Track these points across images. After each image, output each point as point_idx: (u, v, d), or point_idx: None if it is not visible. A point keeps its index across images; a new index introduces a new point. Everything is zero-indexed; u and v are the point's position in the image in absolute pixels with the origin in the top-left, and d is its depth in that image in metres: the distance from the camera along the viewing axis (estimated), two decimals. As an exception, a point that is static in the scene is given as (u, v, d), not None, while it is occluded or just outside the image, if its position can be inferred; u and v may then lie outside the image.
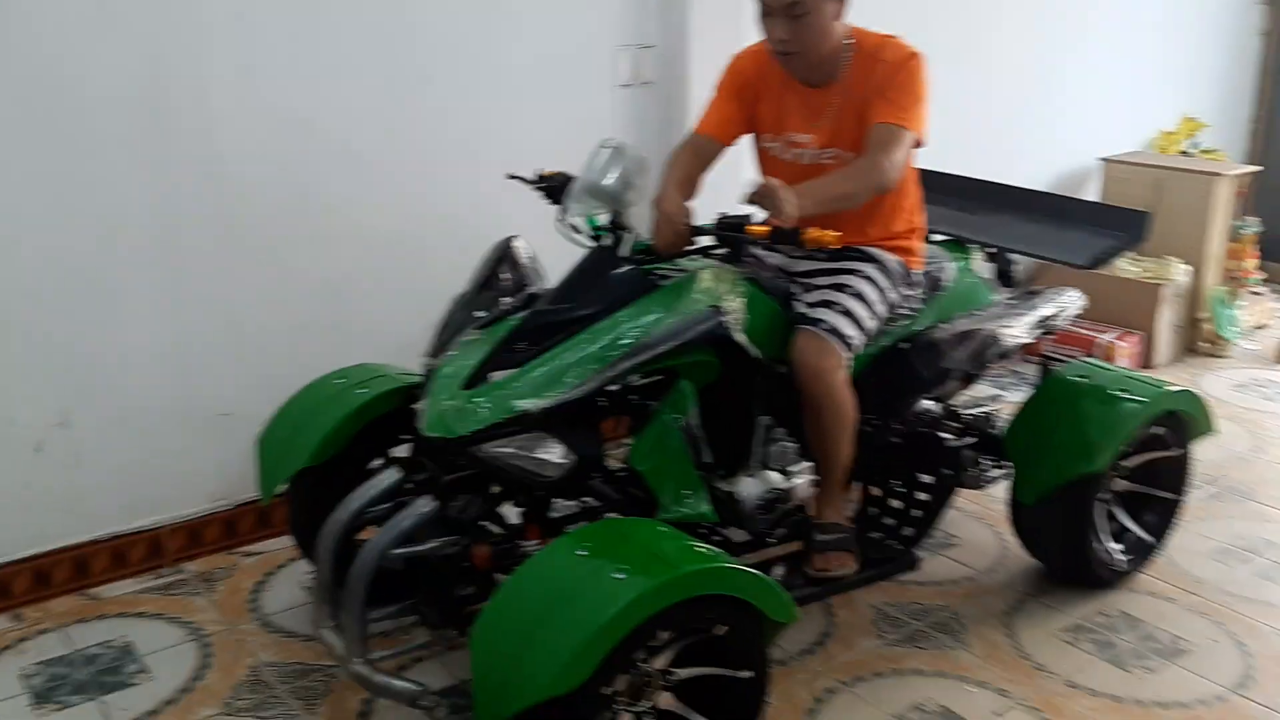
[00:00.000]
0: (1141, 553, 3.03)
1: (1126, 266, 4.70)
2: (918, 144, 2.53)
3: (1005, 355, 2.77)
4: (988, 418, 3.05)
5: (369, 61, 3.12)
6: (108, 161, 2.80)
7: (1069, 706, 2.53)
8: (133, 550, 3.06)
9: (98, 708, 2.52)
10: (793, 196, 2.30)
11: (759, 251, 2.73)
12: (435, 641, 2.50)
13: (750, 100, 2.67)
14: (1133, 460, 2.94)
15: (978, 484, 3.02)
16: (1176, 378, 4.49)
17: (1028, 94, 4.78)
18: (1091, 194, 5.10)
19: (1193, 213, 4.75)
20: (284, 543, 3.12)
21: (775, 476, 2.59)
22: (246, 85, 2.94)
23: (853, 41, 2.55)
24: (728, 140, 2.70)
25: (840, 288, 2.57)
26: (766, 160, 2.72)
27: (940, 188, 3.33)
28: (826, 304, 2.54)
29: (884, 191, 2.49)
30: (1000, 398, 3.24)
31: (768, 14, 2.48)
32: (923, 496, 2.98)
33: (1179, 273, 4.69)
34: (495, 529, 2.45)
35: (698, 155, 2.66)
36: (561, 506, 2.61)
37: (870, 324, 2.58)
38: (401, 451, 2.56)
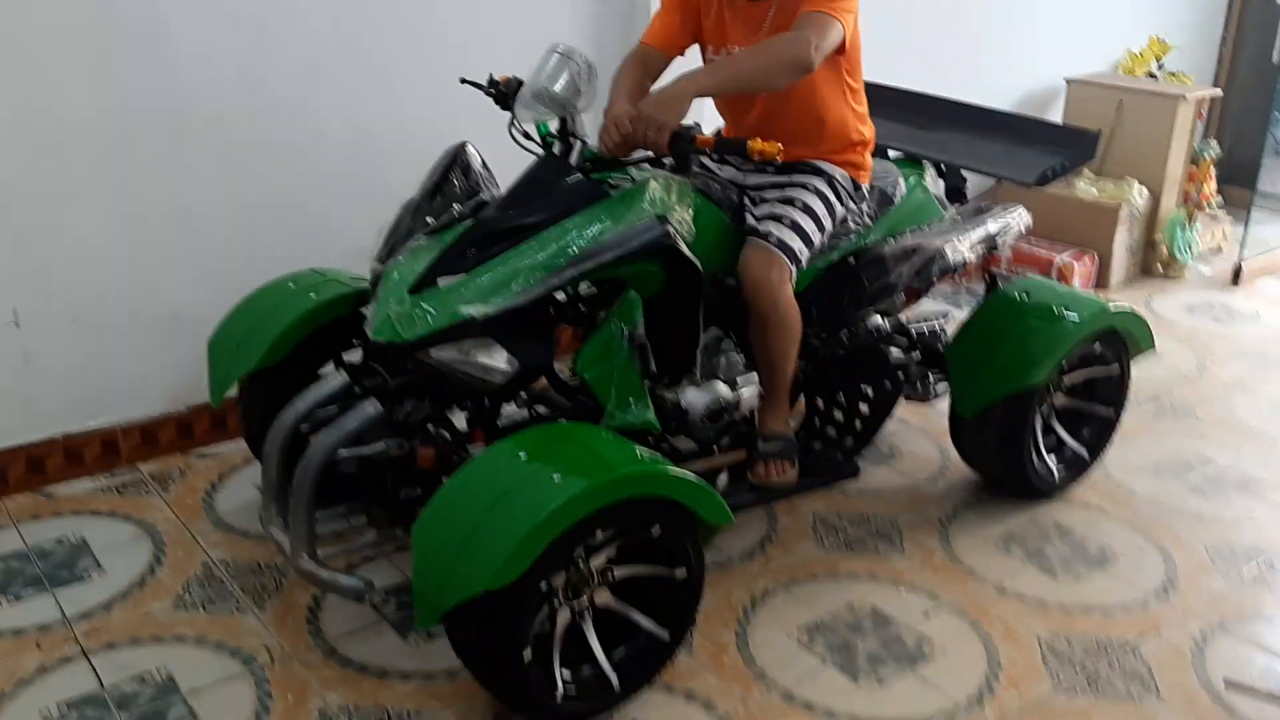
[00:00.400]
0: (1077, 466, 3.11)
1: (1085, 188, 4.73)
2: (842, 48, 2.50)
3: (950, 270, 2.81)
4: (935, 333, 3.10)
5: (323, -39, 3.08)
6: (57, 61, 2.77)
7: (995, 609, 2.63)
8: (87, 450, 3.09)
9: (51, 600, 2.57)
10: (661, 105, 2.29)
11: (711, 164, 2.75)
12: (383, 541, 2.55)
13: (694, 13, 2.67)
14: (1072, 376, 3.00)
15: (924, 397, 3.09)
16: (1129, 298, 4.58)
17: (998, 11, 4.75)
18: (1055, 114, 5.11)
19: (1153, 135, 4.77)
20: (239, 445, 3.17)
21: (722, 387, 2.64)
22: (198, -18, 2.91)
23: None
24: (673, 51, 2.70)
25: (788, 201, 2.59)
26: None
27: (895, 103, 3.35)
28: (774, 218, 2.57)
29: (805, 70, 2.39)
30: (950, 315, 3.29)
31: None
32: (865, 409, 3.05)
33: (1137, 195, 4.73)
34: (443, 433, 2.50)
35: (645, 66, 2.67)
36: (511, 414, 2.66)
37: (817, 237, 2.61)
38: (351, 355, 2.60)
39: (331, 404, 2.40)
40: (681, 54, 2.72)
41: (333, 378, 2.40)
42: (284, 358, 2.61)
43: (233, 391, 2.68)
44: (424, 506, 2.10)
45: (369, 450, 2.32)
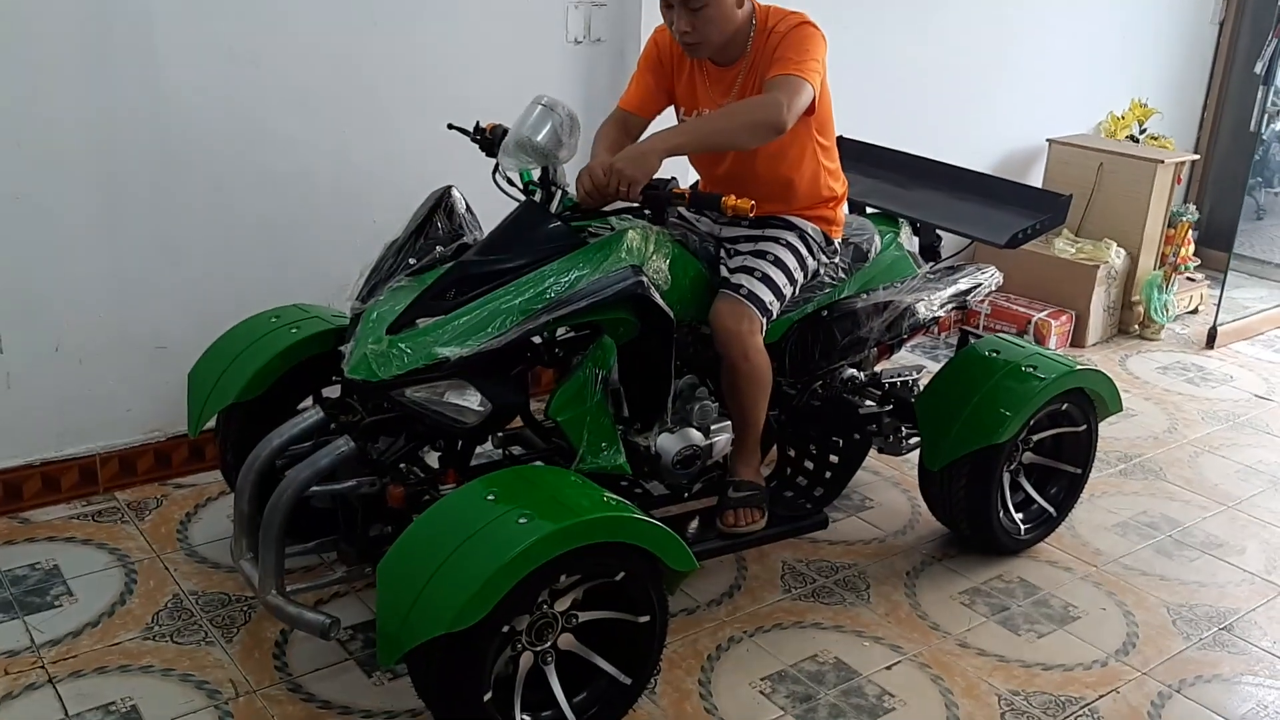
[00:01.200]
0: (1044, 524, 3.15)
1: (1064, 247, 4.81)
2: (812, 108, 2.55)
3: (920, 327, 2.87)
4: (908, 386, 3.15)
5: (318, 2, 3.14)
6: (49, 89, 2.82)
7: (956, 664, 2.65)
8: (65, 476, 3.11)
9: (21, 626, 2.58)
10: (632, 160, 2.33)
11: (689, 215, 2.80)
12: (353, 577, 2.57)
13: (667, 75, 2.75)
14: (1040, 434, 3.05)
15: (896, 450, 3.14)
16: (1104, 357, 4.65)
17: (981, 73, 4.85)
18: (1037, 173, 5.20)
19: (1132, 197, 4.86)
20: (216, 476, 3.19)
21: (695, 433, 2.68)
22: (193, 19, 2.96)
23: (757, 20, 2.62)
24: (649, 114, 2.79)
25: (760, 254, 2.65)
26: None
27: (873, 160, 3.43)
28: (745, 270, 2.62)
29: (777, 131, 2.43)
30: (925, 369, 3.34)
31: (668, 6, 2.55)
32: (836, 459, 3.09)
33: (1115, 255, 4.80)
34: (416, 472, 2.53)
35: (623, 127, 2.75)
36: (485, 454, 2.70)
37: (788, 290, 2.67)
38: (329, 391, 2.63)
39: (307, 440, 2.43)
40: (657, 116, 2.81)
41: (309, 414, 2.44)
42: (263, 392, 2.64)
43: (212, 422, 2.71)
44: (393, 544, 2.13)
45: (341, 487, 2.35)
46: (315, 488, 2.31)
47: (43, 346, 3.00)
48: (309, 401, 2.74)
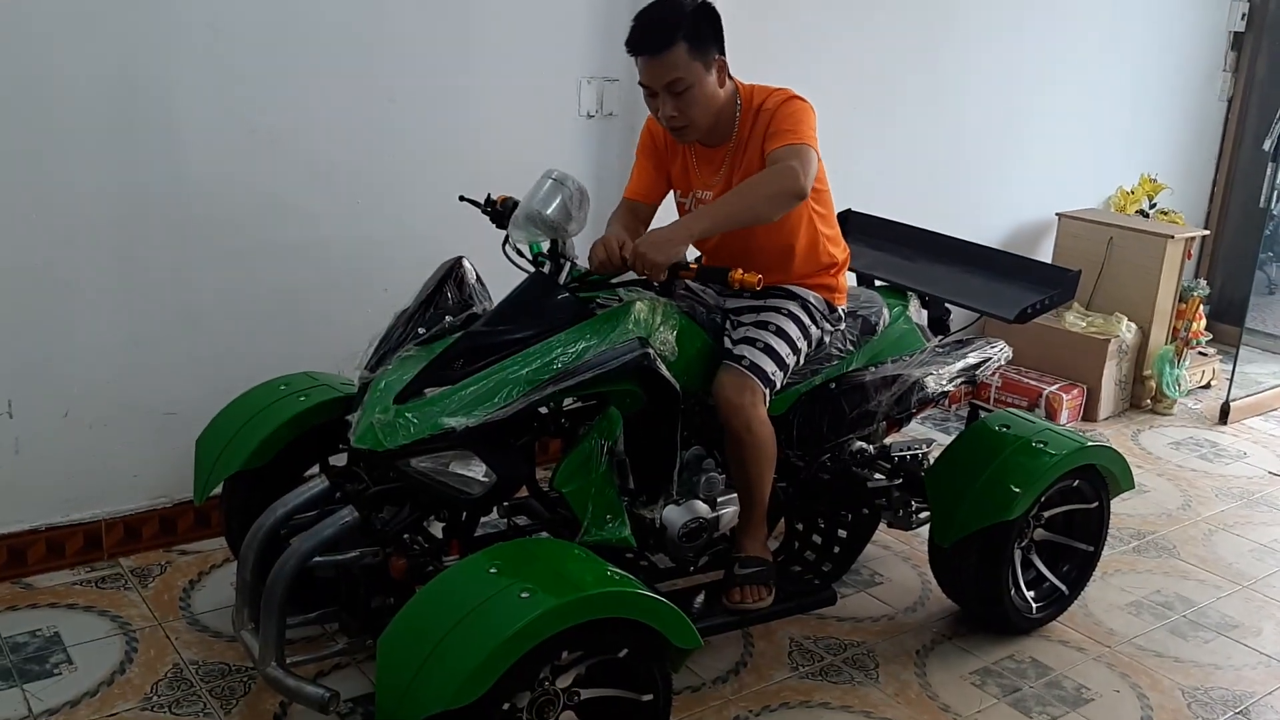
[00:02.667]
0: (1056, 602, 3.10)
1: (1075, 321, 4.81)
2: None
3: (929, 401, 2.86)
4: (918, 459, 3.13)
5: (337, 78, 3.19)
6: (73, 157, 2.87)
7: (967, 747, 2.60)
8: (70, 541, 3.10)
9: (19, 695, 2.56)
10: (656, 246, 2.37)
11: (695, 286, 2.82)
12: (355, 649, 2.55)
13: (663, 161, 2.80)
14: (1051, 510, 3.02)
15: (906, 524, 3.11)
16: (1116, 432, 4.62)
17: (992, 148, 4.89)
18: (1046, 247, 5.22)
19: (1143, 272, 4.86)
20: (221, 543, 3.17)
21: (701, 506, 2.68)
22: (215, 93, 3.02)
23: (741, 100, 2.66)
24: (654, 200, 2.84)
25: (762, 325, 2.66)
26: (682, 215, 2.81)
27: (882, 234, 3.45)
28: (748, 341, 2.63)
29: (798, 197, 2.49)
30: (935, 441, 3.31)
31: (652, 95, 2.59)
32: (844, 534, 3.06)
33: (1126, 330, 4.79)
34: (420, 542, 2.52)
35: (632, 214, 2.81)
36: (490, 524, 2.68)
37: (791, 360, 2.67)
38: (336, 460, 2.63)
39: (312, 509, 2.42)
40: (662, 200, 2.86)
41: (315, 483, 2.43)
42: (269, 460, 2.64)
43: (218, 489, 2.71)
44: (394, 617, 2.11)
45: (343, 557, 2.34)
46: (318, 558, 2.29)
47: (52, 412, 3.00)
48: (315, 469, 2.75)
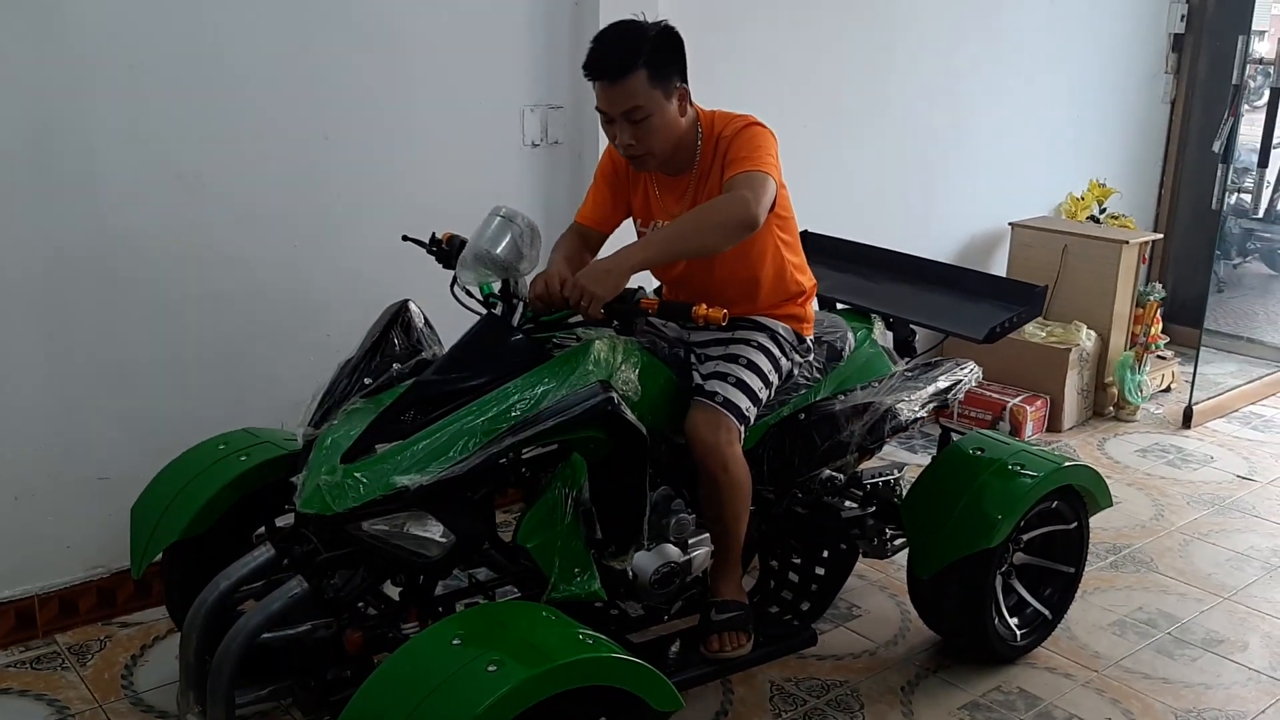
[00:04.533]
0: (1040, 627, 3.02)
1: (1034, 331, 4.75)
2: (772, 205, 2.46)
3: (902, 429, 2.76)
4: (890, 486, 3.03)
5: (268, 117, 3.05)
6: (-15, 212, 2.69)
7: (962, 790, 2.49)
8: (0, 621, 2.91)
9: (-54, 796, 2.37)
10: (595, 279, 2.25)
11: (656, 320, 2.70)
12: (310, 726, 2.39)
13: (624, 188, 2.68)
14: (1030, 534, 2.93)
15: (881, 553, 3.01)
16: (1081, 441, 4.57)
17: (940, 159, 4.84)
18: (1001, 258, 5.17)
19: (1099, 279, 4.82)
20: (164, 613, 2.98)
21: (672, 549, 2.54)
22: (137, 138, 2.86)
23: (703, 127, 2.55)
24: (607, 229, 2.73)
25: (732, 359, 2.55)
26: None
27: (842, 255, 3.36)
28: (719, 375, 2.52)
29: (750, 227, 2.36)
30: (905, 465, 3.22)
31: (609, 121, 2.47)
32: (821, 570, 2.95)
33: (1085, 338, 4.75)
34: (376, 607, 2.37)
35: (581, 240, 2.69)
36: (451, 579, 2.54)
37: (763, 394, 2.56)
38: (283, 521, 2.47)
39: (258, 579, 2.26)
40: (615, 229, 2.74)
41: (260, 551, 2.27)
42: (211, 525, 2.48)
43: (158, 557, 2.54)
44: (352, 693, 1.96)
45: (294, 631, 2.18)
46: (266, 635, 2.14)
47: (-24, 483, 2.82)
48: (261, 531, 2.59)
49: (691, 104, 2.54)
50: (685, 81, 2.50)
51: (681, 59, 2.49)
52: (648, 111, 2.41)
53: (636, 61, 2.38)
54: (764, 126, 2.52)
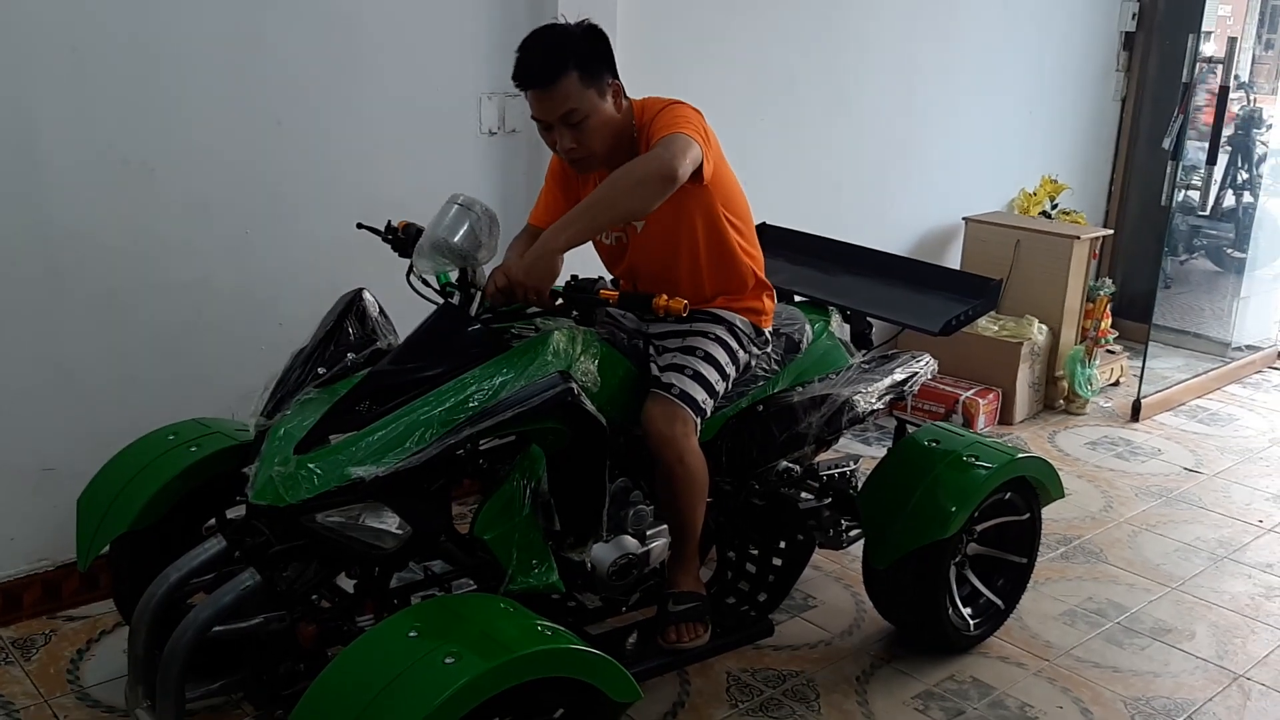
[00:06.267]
0: (993, 617, 3.05)
1: (987, 325, 4.80)
2: (701, 173, 2.40)
3: (859, 421, 2.76)
4: (846, 477, 3.04)
5: (218, 102, 2.99)
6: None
7: (917, 779, 2.51)
8: (-60, 616, 2.84)
9: (-117, 796, 2.31)
10: (529, 271, 2.23)
11: (615, 311, 2.68)
12: None
13: (573, 189, 2.65)
14: (984, 524, 2.96)
15: (837, 544, 3.01)
16: (1033, 434, 4.62)
17: (895, 154, 4.87)
18: (955, 252, 5.21)
19: (1050, 273, 4.88)
20: (111, 606, 2.93)
21: (630, 541, 2.53)
22: (81, 123, 2.79)
23: (636, 119, 2.51)
24: None
25: (690, 350, 2.54)
26: (595, 243, 2.68)
27: (798, 247, 3.36)
28: (676, 368, 2.51)
29: (668, 179, 2.28)
30: (860, 458, 3.23)
31: (547, 128, 2.45)
32: (778, 561, 2.96)
33: (1037, 332, 4.81)
34: (330, 600, 2.34)
35: (533, 241, 2.63)
36: (405, 572, 2.51)
37: (720, 386, 2.56)
38: (234, 513, 2.43)
39: (209, 572, 2.22)
40: None
41: (211, 543, 2.22)
42: (159, 518, 2.43)
43: (106, 549, 2.48)
44: (306, 686, 1.93)
45: (246, 625, 2.15)
46: (217, 628, 2.10)
47: (-86, 474, 2.75)
48: (213, 522, 2.54)
49: (625, 97, 2.50)
50: (616, 77, 2.47)
51: (610, 55, 2.45)
52: (584, 113, 2.38)
53: (566, 64, 2.35)
54: (685, 104, 2.49)
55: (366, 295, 2.51)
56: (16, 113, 2.69)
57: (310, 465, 2.11)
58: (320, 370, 2.37)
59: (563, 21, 2.48)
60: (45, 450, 2.91)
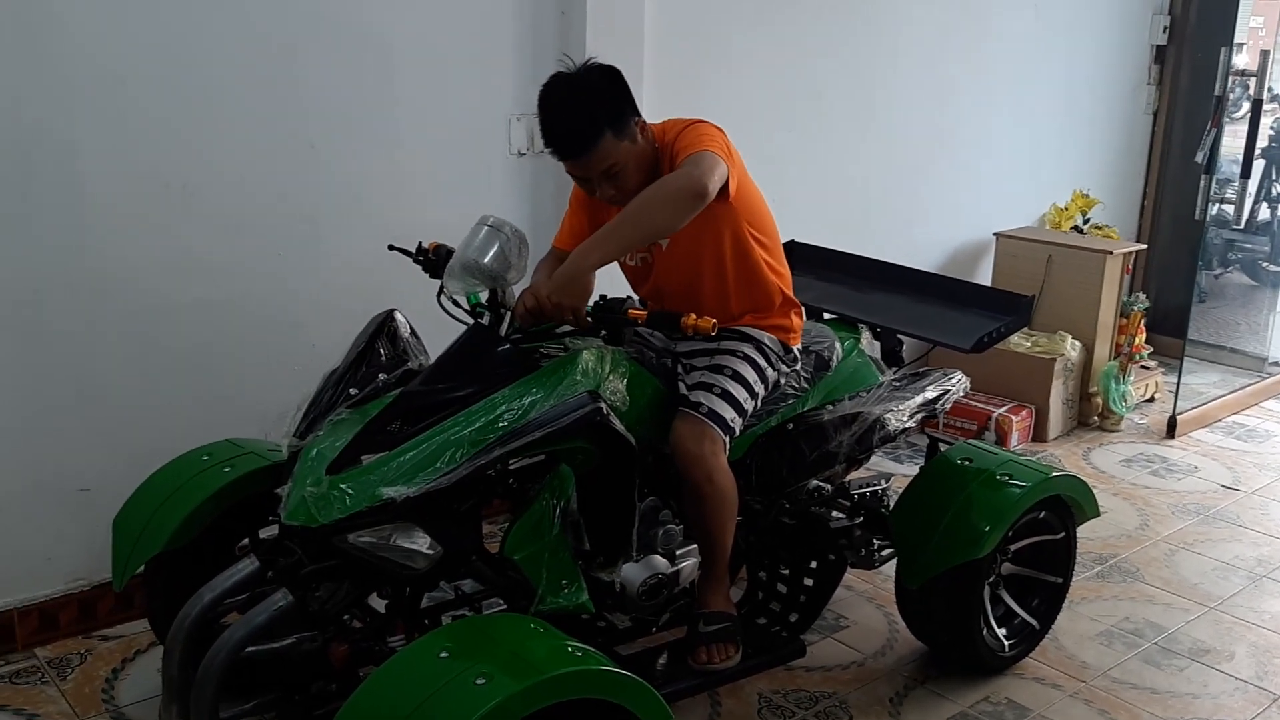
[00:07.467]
0: (1028, 638, 3.01)
1: (1019, 341, 4.76)
2: (726, 190, 2.41)
3: (890, 439, 2.75)
4: (878, 496, 3.02)
5: (255, 125, 3.02)
6: (-39, 223, 2.66)
7: (952, 802, 2.48)
8: (-21, 635, 2.87)
9: (-77, 814, 2.33)
10: (562, 289, 2.26)
11: (643, 329, 2.68)
12: (295, 741, 2.36)
13: (597, 213, 2.65)
14: (1018, 544, 2.93)
15: (869, 563, 3.00)
16: (1067, 452, 4.57)
17: (925, 168, 4.85)
18: (986, 268, 5.18)
19: (1083, 289, 4.84)
20: (146, 625, 2.95)
21: (660, 561, 2.53)
22: (119, 147, 2.83)
23: (659, 144, 2.52)
24: None
25: (718, 369, 2.54)
26: (620, 264, 2.69)
27: (829, 264, 3.36)
28: (704, 386, 2.51)
29: (698, 195, 2.30)
30: (892, 475, 3.21)
31: (586, 180, 2.47)
32: (809, 581, 2.94)
33: (1070, 348, 4.76)
34: (361, 620, 2.35)
35: (561, 264, 2.65)
36: (437, 591, 2.51)
37: (749, 405, 2.55)
38: (267, 533, 2.44)
39: (243, 592, 2.24)
40: None
41: (244, 564, 2.23)
42: (193, 538, 2.45)
43: (140, 569, 2.51)
44: (338, 706, 1.93)
45: (279, 645, 2.16)
46: (251, 648, 2.11)
47: (-46, 495, 2.78)
48: (246, 542, 2.56)
49: (647, 127, 2.51)
50: (638, 112, 2.48)
51: (629, 94, 2.46)
52: (621, 164, 2.41)
53: (600, 130, 2.36)
54: (708, 122, 2.50)
55: (398, 316, 2.52)
56: (62, 138, 2.74)
57: (342, 486, 2.13)
58: (352, 391, 2.39)
59: (573, 67, 2.46)
60: (82, 471, 2.94)
